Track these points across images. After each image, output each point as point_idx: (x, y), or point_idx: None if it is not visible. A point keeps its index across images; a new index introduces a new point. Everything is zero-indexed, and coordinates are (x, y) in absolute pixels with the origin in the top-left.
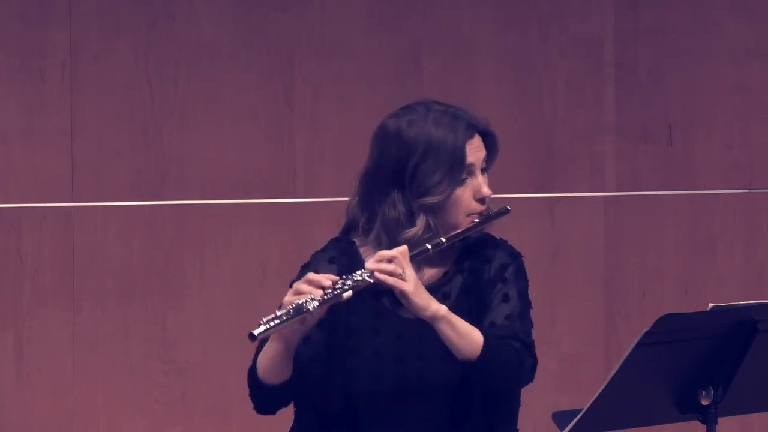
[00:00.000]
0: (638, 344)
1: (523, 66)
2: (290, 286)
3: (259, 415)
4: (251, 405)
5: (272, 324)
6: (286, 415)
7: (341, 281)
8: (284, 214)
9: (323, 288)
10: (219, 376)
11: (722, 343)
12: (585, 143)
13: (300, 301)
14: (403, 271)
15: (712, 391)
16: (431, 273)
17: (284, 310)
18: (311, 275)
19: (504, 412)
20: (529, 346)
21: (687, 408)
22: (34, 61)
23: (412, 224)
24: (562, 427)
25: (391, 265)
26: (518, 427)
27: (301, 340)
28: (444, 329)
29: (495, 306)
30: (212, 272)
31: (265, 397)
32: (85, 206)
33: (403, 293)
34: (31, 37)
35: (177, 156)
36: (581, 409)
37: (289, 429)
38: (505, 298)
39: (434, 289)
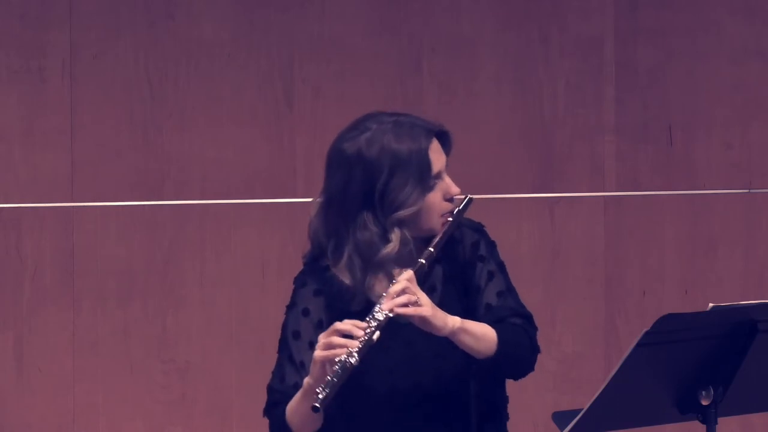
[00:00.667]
0: (638, 344)
1: (523, 66)
2: (284, 334)
3: (258, 415)
4: (251, 405)
5: (328, 390)
6: None
7: (367, 325)
8: (284, 214)
9: (356, 338)
10: (219, 376)
11: (722, 343)
12: (585, 143)
13: (342, 358)
14: (417, 299)
15: (712, 391)
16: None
17: (334, 372)
18: (339, 326)
19: (494, 409)
20: (528, 318)
21: (687, 408)
22: (34, 61)
23: (387, 241)
24: (562, 427)
25: (405, 297)
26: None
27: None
28: (463, 339)
29: (484, 287)
30: (212, 272)
31: None
32: (85, 206)
33: (423, 320)
34: (31, 37)
35: (177, 156)
36: (581, 409)
37: None
38: (490, 276)
39: (419, 284)
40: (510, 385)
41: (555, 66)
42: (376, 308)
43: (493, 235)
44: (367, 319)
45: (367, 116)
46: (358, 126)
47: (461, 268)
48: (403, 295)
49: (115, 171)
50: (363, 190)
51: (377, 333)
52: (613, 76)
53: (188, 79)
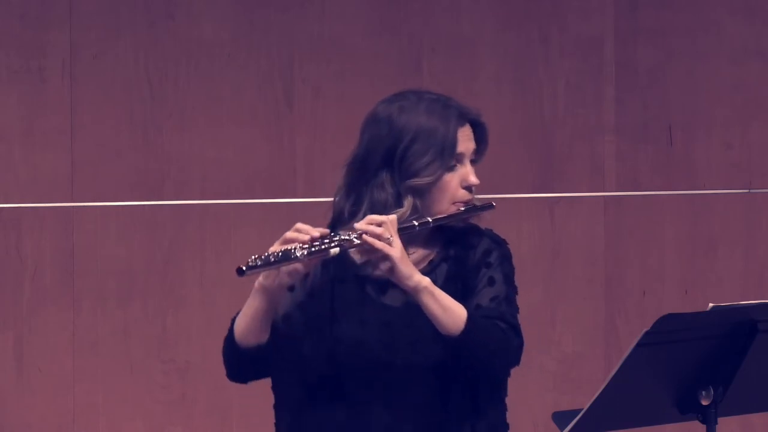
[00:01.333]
0: (638, 344)
1: (523, 66)
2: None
3: (258, 415)
4: (251, 404)
5: (260, 263)
6: None
7: (330, 236)
8: (284, 214)
9: (312, 238)
10: (219, 376)
11: (722, 343)
12: (585, 143)
13: (289, 247)
14: (390, 237)
15: (712, 391)
16: (416, 260)
17: (272, 252)
18: (300, 225)
19: (491, 397)
20: (515, 327)
21: (687, 408)
22: (34, 61)
23: (400, 206)
24: (562, 427)
25: (380, 229)
26: (508, 421)
27: (282, 318)
28: (427, 301)
29: (480, 289)
30: (212, 272)
31: (238, 360)
32: (85, 206)
33: (389, 257)
34: (31, 37)
35: (177, 156)
36: (581, 409)
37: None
38: (491, 282)
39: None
40: (510, 384)
41: (555, 66)
42: (348, 231)
43: None
44: (333, 233)
45: (410, 89)
46: (398, 95)
47: (467, 270)
48: (378, 227)
49: (115, 171)
50: (385, 148)
51: (337, 249)
52: (613, 76)
53: (188, 79)
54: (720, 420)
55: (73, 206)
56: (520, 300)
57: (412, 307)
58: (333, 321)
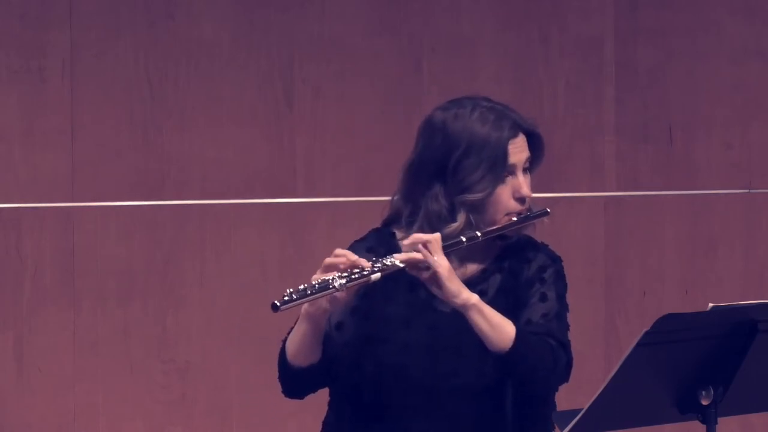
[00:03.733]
0: (638, 344)
1: (523, 66)
2: None
3: (258, 415)
4: (251, 405)
5: (295, 297)
6: (286, 414)
7: (371, 264)
8: (284, 214)
9: (350, 264)
10: (219, 376)
11: (722, 343)
12: (585, 143)
13: (327, 278)
14: (435, 257)
15: (712, 391)
16: (469, 270)
17: (310, 284)
18: (339, 250)
19: (537, 415)
20: (564, 345)
21: (687, 408)
22: (34, 61)
23: (454, 219)
24: (562, 427)
25: (422, 252)
26: None
27: (335, 326)
28: (475, 318)
29: (532, 304)
30: (212, 272)
31: (292, 380)
32: (85, 206)
33: (435, 275)
34: (31, 37)
35: (177, 156)
36: (581, 409)
37: (322, 420)
38: (543, 298)
39: (471, 286)
40: None
41: (555, 66)
42: (390, 257)
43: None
44: (375, 259)
45: (468, 96)
46: (455, 102)
47: (520, 285)
48: (419, 251)
49: (115, 171)
50: (438, 159)
51: (378, 274)
52: (613, 76)
53: (188, 79)
54: (720, 420)
55: (73, 206)
56: None
57: (461, 314)
58: (382, 322)
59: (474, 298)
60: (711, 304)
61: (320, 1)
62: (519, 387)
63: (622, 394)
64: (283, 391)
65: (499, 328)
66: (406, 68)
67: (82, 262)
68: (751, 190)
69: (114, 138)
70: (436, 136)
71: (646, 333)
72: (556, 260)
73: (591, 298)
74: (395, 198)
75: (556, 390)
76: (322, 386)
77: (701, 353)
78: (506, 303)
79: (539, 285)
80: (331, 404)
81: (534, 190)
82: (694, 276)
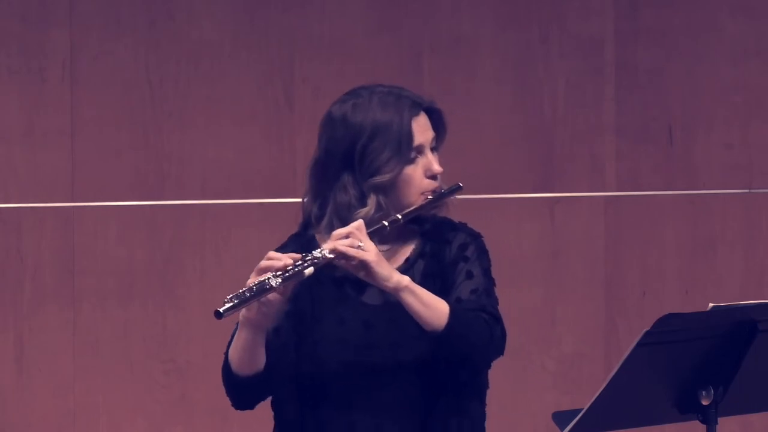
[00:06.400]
0: (638, 344)
1: (523, 66)
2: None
3: (258, 415)
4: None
5: (236, 301)
6: None
7: (302, 259)
8: (284, 214)
9: (284, 265)
10: (219, 376)
11: (722, 343)
12: (585, 143)
13: (263, 279)
14: (361, 243)
15: (712, 391)
16: (391, 256)
17: (247, 288)
18: (272, 253)
19: (473, 391)
20: (497, 317)
21: (687, 408)
22: (34, 61)
23: (364, 205)
24: (562, 427)
25: (348, 240)
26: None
27: (272, 331)
28: (408, 299)
29: (459, 283)
30: (212, 272)
31: (241, 391)
32: (85, 206)
33: (364, 263)
34: (31, 37)
35: (177, 156)
36: (581, 409)
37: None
38: (469, 275)
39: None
40: (510, 384)
41: (555, 66)
42: (318, 249)
43: (493, 235)
44: (304, 254)
45: (362, 86)
46: (351, 93)
47: (444, 267)
48: (346, 239)
49: (115, 171)
50: (344, 150)
51: (311, 269)
52: (613, 76)
53: (188, 79)
54: (720, 420)
55: (73, 206)
56: (521, 300)
57: (392, 305)
58: (313, 321)
59: (405, 279)
60: (711, 304)
61: (320, 1)
62: (455, 363)
63: (623, 394)
64: (233, 404)
65: (432, 307)
66: (406, 68)
67: (82, 262)
68: (752, 190)
69: (114, 138)
70: (338, 129)
71: (647, 333)
72: (476, 236)
73: (591, 298)
74: (305, 200)
75: (490, 365)
76: (269, 393)
77: (701, 353)
78: (434, 287)
79: (463, 263)
80: (276, 410)
81: (534, 190)
82: (694, 276)
